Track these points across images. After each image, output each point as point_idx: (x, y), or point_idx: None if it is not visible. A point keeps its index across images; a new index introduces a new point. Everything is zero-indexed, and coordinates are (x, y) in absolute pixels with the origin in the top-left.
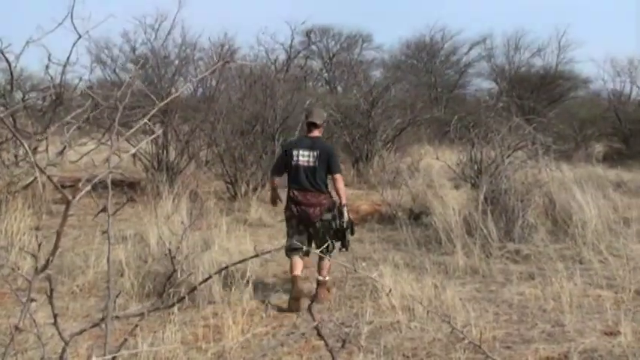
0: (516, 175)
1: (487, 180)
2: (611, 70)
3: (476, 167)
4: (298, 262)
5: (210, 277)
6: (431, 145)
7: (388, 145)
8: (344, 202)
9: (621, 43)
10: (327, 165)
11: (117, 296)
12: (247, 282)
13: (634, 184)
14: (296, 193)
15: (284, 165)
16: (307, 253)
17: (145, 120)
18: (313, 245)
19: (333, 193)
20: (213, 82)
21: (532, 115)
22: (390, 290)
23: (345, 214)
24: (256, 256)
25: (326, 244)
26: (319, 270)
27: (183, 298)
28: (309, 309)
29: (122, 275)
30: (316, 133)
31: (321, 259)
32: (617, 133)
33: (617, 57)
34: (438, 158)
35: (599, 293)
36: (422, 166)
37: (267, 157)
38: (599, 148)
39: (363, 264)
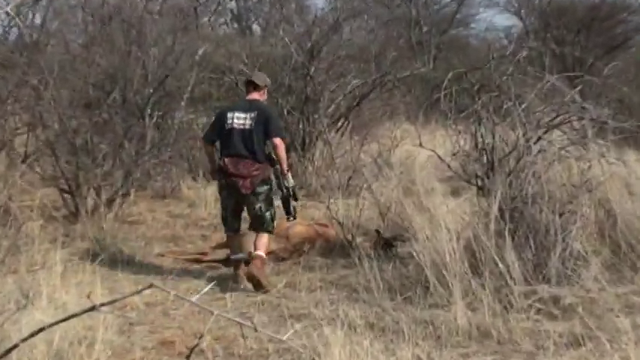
0: (551, 172)
1: (503, 181)
2: None
3: (485, 159)
4: (236, 241)
5: (15, 346)
6: (411, 122)
7: (340, 124)
8: (286, 169)
9: None
10: (265, 128)
11: None
12: None
13: None
14: (226, 161)
15: (218, 131)
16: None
17: None
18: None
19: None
20: (37, 18)
21: (577, 72)
22: None
23: (290, 179)
24: (92, 309)
25: (266, 222)
26: (255, 246)
27: None
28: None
29: None
30: (256, 95)
31: (258, 235)
32: None
33: None
34: (422, 145)
35: None
36: (397, 157)
37: (132, 146)
38: None
39: (296, 326)
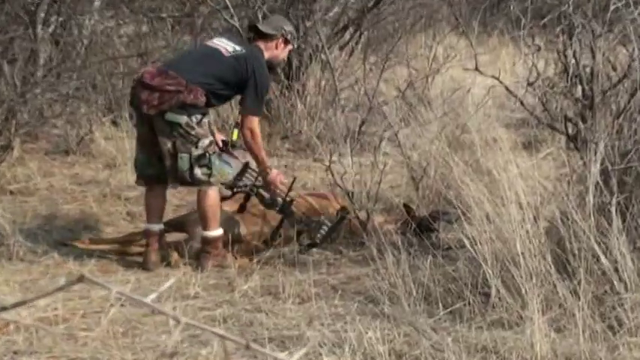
0: None
1: (609, 126)
2: None
3: (580, 92)
4: (154, 202)
5: None
6: (461, 34)
7: (347, 36)
8: (264, 165)
9: None
10: (240, 84)
11: None
12: None
13: None
14: (149, 69)
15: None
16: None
17: None
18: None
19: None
20: None
21: None
22: None
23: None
24: None
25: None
26: (202, 220)
27: None
28: None
29: None
30: (261, 45)
31: (197, 198)
32: None
33: None
34: (479, 70)
35: None
36: (437, 90)
37: (15, 71)
38: None
39: (280, 356)
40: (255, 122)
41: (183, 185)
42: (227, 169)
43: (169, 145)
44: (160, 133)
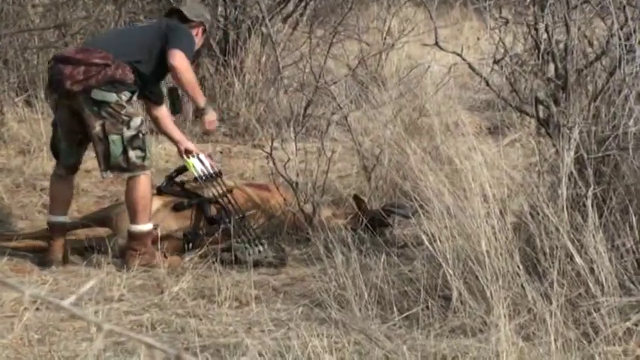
0: None
1: (585, 109)
2: None
3: (553, 71)
4: (62, 192)
5: None
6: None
7: (291, 7)
8: (202, 103)
9: None
10: (165, 36)
11: None
12: None
13: None
14: (69, 50)
15: None
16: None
17: None
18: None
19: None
20: None
21: None
22: None
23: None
24: None
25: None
26: (130, 212)
27: None
28: None
29: None
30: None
31: (130, 181)
32: None
33: None
34: (439, 45)
35: None
36: (393, 68)
37: None
38: None
39: None
40: (178, 56)
41: (116, 172)
42: (197, 164)
43: (98, 127)
44: (87, 115)
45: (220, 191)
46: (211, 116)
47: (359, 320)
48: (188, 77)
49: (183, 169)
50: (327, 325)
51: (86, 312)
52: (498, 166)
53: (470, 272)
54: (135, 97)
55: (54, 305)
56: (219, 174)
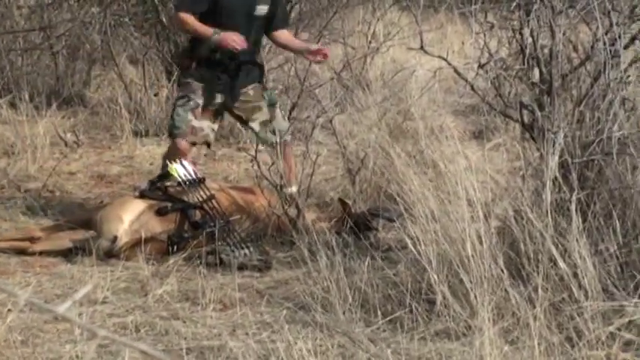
0: None
1: (569, 114)
2: None
3: (538, 76)
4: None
5: None
6: (402, 7)
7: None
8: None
9: None
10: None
11: None
12: None
13: None
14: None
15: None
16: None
17: None
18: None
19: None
20: None
21: None
22: None
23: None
24: None
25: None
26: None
27: None
28: None
29: None
30: None
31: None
32: None
33: None
34: (424, 49)
35: None
36: (378, 71)
37: None
38: None
39: None
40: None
41: None
42: (180, 170)
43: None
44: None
45: (204, 196)
46: (222, 35)
47: (343, 323)
48: (187, 26)
49: (166, 175)
50: (311, 328)
51: (77, 318)
52: (483, 170)
53: (454, 276)
54: None
55: (48, 311)
56: (202, 180)
